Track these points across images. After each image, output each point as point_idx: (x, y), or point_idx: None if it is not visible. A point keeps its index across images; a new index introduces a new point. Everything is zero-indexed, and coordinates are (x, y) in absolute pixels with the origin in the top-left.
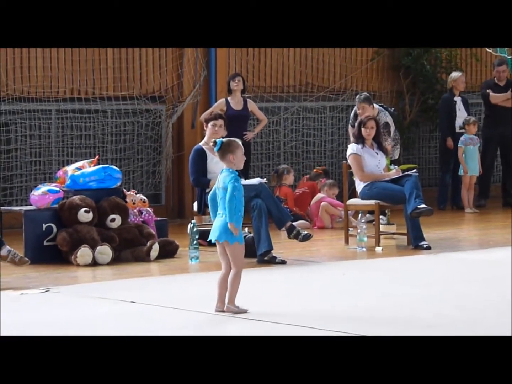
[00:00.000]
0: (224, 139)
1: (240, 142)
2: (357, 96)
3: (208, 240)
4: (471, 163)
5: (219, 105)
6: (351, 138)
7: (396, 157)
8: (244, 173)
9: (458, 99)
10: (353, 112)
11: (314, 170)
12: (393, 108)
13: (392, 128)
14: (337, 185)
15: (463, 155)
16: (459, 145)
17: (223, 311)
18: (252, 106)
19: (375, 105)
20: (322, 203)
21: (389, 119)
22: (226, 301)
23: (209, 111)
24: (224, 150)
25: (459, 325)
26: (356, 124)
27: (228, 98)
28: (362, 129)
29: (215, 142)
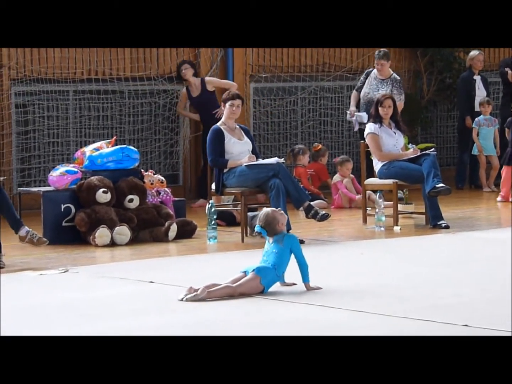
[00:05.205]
0: (261, 223)
1: (275, 209)
2: (376, 52)
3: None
4: (485, 144)
5: (183, 97)
6: (352, 102)
7: None
8: (256, 155)
9: (477, 78)
10: (362, 76)
11: (313, 149)
12: None
13: None
14: (349, 159)
15: (478, 136)
16: (473, 126)
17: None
18: (212, 82)
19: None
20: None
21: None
22: (204, 286)
23: (180, 103)
24: (270, 225)
25: (477, 304)
26: (373, 103)
27: (188, 86)
28: (380, 108)
29: (259, 233)
